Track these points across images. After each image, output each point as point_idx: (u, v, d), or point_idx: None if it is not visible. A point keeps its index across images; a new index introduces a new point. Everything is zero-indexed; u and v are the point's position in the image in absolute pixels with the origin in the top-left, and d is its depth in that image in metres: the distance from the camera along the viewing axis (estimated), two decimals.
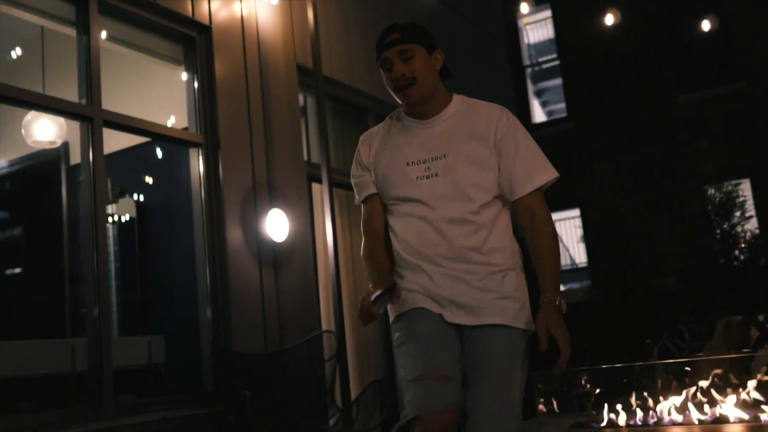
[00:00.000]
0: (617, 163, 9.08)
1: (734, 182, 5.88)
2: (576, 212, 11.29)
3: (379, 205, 2.38)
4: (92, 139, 3.93)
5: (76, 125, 4.05)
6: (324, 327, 5.18)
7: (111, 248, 5.78)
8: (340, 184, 5.66)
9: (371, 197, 2.38)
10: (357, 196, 2.45)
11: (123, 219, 5.41)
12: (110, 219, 5.61)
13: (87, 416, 3.57)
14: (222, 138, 4.51)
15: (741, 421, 3.07)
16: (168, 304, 5.04)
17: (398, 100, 2.34)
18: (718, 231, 5.74)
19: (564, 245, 11.98)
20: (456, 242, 2.21)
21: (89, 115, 3.93)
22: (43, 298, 5.04)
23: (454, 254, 2.21)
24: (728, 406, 3.12)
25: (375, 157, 2.37)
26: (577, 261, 12.45)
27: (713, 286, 5.39)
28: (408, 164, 2.28)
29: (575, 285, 11.54)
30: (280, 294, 4.64)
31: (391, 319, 2.31)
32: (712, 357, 3.62)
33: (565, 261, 12.01)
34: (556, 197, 11.51)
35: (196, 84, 4.59)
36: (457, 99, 2.35)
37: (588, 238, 6.88)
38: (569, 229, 12.08)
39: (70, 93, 4.04)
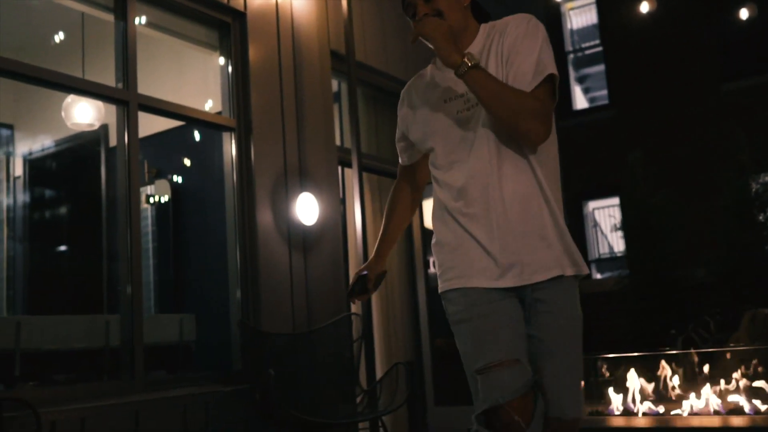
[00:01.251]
0: (656, 151, 8.98)
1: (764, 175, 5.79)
2: (616, 200, 11.19)
3: (412, 173, 2.41)
4: (128, 122, 4.05)
5: (114, 108, 4.18)
6: (353, 310, 5.28)
7: (149, 228, 5.96)
8: (371, 169, 5.73)
9: (405, 168, 2.42)
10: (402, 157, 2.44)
11: (160, 200, 5.56)
12: (150, 200, 5.77)
13: (119, 390, 3.72)
14: (254, 122, 4.60)
15: (757, 412, 3.07)
16: (200, 283, 5.18)
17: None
18: (753, 223, 5.68)
19: (603, 233, 11.90)
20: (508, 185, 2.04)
21: (125, 99, 4.06)
22: (83, 275, 5.23)
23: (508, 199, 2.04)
24: (745, 397, 3.12)
25: (410, 109, 2.28)
26: (615, 250, 12.34)
27: (745, 279, 5.35)
28: (445, 101, 2.16)
29: (611, 274, 11.44)
30: (309, 276, 4.73)
31: (442, 288, 2.16)
32: (733, 348, 3.61)
33: (603, 249, 11.94)
34: (596, 184, 11.40)
35: (230, 69, 4.68)
36: (484, 26, 2.20)
37: (625, 226, 6.84)
38: (607, 217, 11.98)
39: (108, 77, 4.17)
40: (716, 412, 3.13)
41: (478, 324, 2.02)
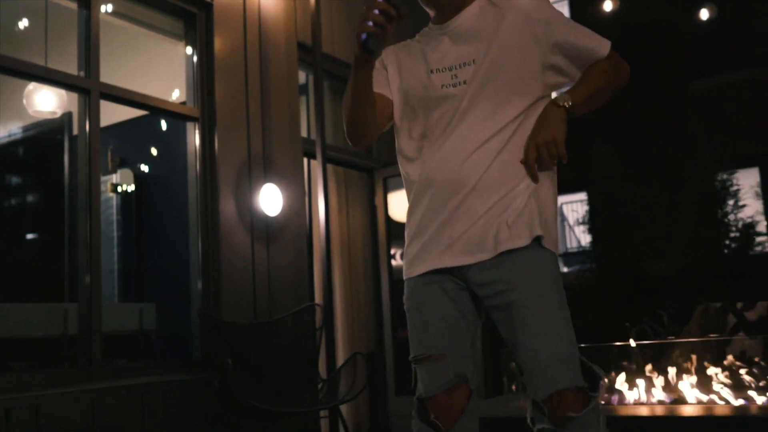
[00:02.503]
0: (624, 147, 9.10)
1: (730, 171, 5.90)
2: (584, 195, 11.32)
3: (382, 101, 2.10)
4: (89, 110, 4.04)
5: (77, 97, 4.17)
6: (318, 300, 5.32)
7: (114, 217, 5.94)
8: (336, 160, 5.77)
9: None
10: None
11: (124, 189, 5.55)
12: (117, 189, 5.76)
13: (77, 378, 3.73)
14: (219, 113, 4.61)
15: (699, 402, 3.16)
16: (162, 273, 5.19)
17: (426, 8, 2.12)
18: (714, 219, 5.79)
19: (570, 227, 12.04)
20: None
21: (87, 88, 4.05)
22: (44, 264, 5.22)
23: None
24: (689, 388, 3.21)
25: (397, 65, 2.12)
26: (583, 243, 12.50)
27: (703, 273, 5.45)
28: (432, 72, 2.03)
29: (577, 268, 11.58)
30: (272, 267, 4.76)
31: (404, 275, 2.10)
32: (677, 340, 3.70)
33: (570, 243, 12.09)
34: (564, 179, 11.57)
35: (195, 59, 4.69)
36: None
37: (591, 220, 6.94)
38: (573, 212, 12.13)
39: (72, 66, 4.16)
40: (660, 402, 3.22)
41: (413, 315, 2.03)
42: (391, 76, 2.11)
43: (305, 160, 5.44)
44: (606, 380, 1.86)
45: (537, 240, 1.89)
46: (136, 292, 5.33)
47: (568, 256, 12.00)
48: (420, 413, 1.99)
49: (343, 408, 5.42)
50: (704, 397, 3.19)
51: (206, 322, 4.23)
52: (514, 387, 4.04)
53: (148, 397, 3.86)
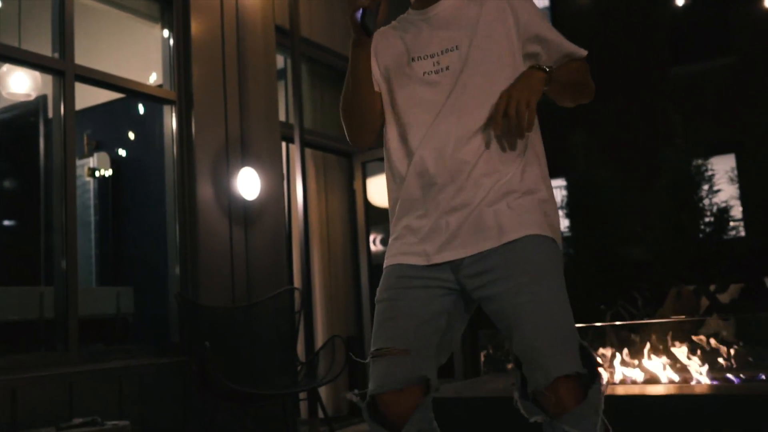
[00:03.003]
0: (602, 134, 9.16)
1: (706, 157, 5.97)
2: (562, 182, 11.40)
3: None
4: (64, 93, 4.01)
5: (51, 79, 4.13)
6: (297, 284, 5.33)
7: (92, 201, 5.90)
8: (314, 144, 5.76)
9: None
10: None
11: (101, 174, 5.51)
12: (94, 173, 5.71)
13: (53, 361, 3.71)
14: (196, 96, 4.59)
15: (671, 381, 3.21)
16: (140, 257, 5.16)
17: None
18: (687, 204, 5.86)
19: None
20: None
21: (61, 69, 4.01)
22: (19, 248, 5.18)
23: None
24: (660, 368, 3.26)
25: (374, 54, 2.05)
26: (562, 229, 12.59)
27: (678, 257, 5.53)
28: (413, 59, 1.98)
29: None
30: (250, 251, 4.76)
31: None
32: (649, 321, 3.75)
33: None
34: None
35: (171, 42, 4.65)
36: None
37: (569, 206, 7.00)
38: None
39: (46, 47, 4.12)
40: (633, 382, 3.27)
41: (383, 308, 1.94)
42: (379, 62, 2.05)
43: (283, 144, 5.43)
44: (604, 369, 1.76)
45: (537, 227, 1.86)
46: (113, 276, 5.31)
47: None
48: (371, 412, 1.91)
49: (323, 391, 5.44)
50: (676, 377, 3.25)
51: (184, 306, 4.22)
52: (508, 367, 4.06)
53: (126, 381, 3.86)
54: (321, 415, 4.73)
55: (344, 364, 4.12)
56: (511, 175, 1.89)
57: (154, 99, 4.66)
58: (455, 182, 1.89)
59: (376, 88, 2.05)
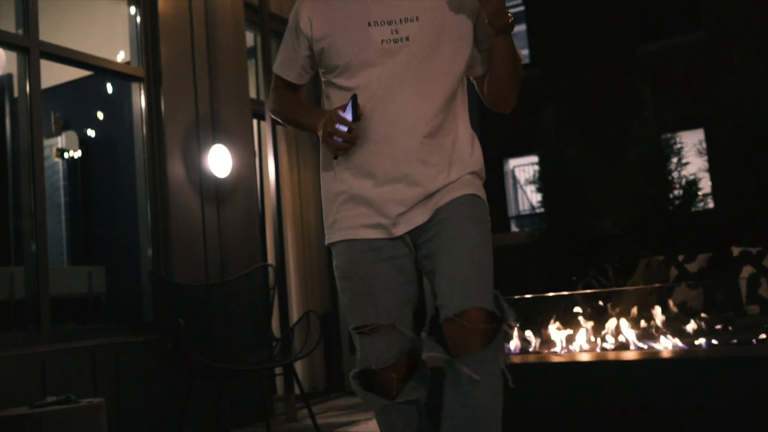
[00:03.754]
0: (574, 109, 9.22)
1: (674, 132, 6.02)
2: (536, 158, 11.46)
3: (301, 89, 2.13)
4: (29, 70, 3.95)
5: (16, 56, 4.06)
6: (270, 261, 5.32)
7: (61, 183, 5.84)
8: None
9: (290, 84, 2.10)
10: (277, 65, 2.11)
11: (70, 155, 5.44)
12: (63, 154, 5.65)
13: (25, 341, 3.68)
14: (164, 73, 4.54)
15: (639, 349, 3.27)
16: (111, 236, 5.13)
17: None
18: (656, 176, 5.92)
19: (523, 190, 12.19)
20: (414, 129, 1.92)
21: (26, 46, 3.95)
22: None
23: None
24: (631, 335, 3.32)
25: (318, 21, 1.96)
26: (535, 206, 12.68)
27: (647, 229, 5.60)
28: (369, 24, 1.91)
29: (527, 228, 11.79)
30: (222, 228, 4.75)
31: (327, 239, 2.06)
32: (619, 288, 3.81)
33: (524, 205, 12.26)
34: (517, 142, 11.58)
35: (138, 19, 4.60)
36: None
37: (542, 181, 7.04)
38: (527, 174, 12.27)
39: (9, 23, 4.04)
40: (603, 349, 3.32)
41: (357, 284, 1.97)
42: (318, 29, 1.96)
43: (254, 121, 5.40)
44: (513, 323, 1.83)
45: (475, 188, 1.99)
46: (84, 256, 5.27)
47: (520, 218, 12.16)
48: (364, 384, 2.00)
49: (299, 368, 5.47)
50: (644, 345, 3.31)
51: (157, 285, 4.20)
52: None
53: (100, 359, 3.84)
54: (297, 391, 4.75)
55: (319, 339, 4.13)
56: (459, 146, 1.98)
57: (121, 76, 4.61)
58: (408, 152, 1.91)
59: (307, 78, 2.10)
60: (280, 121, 2.19)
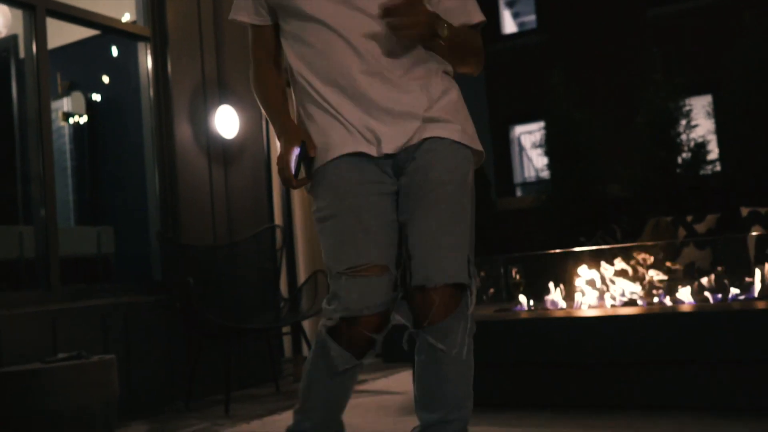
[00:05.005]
0: (582, 73, 9.14)
1: (683, 97, 5.99)
2: (543, 125, 11.38)
3: (270, 34, 1.98)
4: (36, 28, 3.92)
5: (21, 15, 4.03)
6: (277, 221, 5.33)
7: (67, 147, 5.83)
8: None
9: (258, 27, 1.99)
10: (236, 11, 2.00)
11: (75, 121, 5.42)
12: (68, 118, 5.63)
13: (36, 300, 3.70)
14: (171, 33, 4.51)
15: (650, 304, 3.27)
16: (119, 198, 5.13)
17: None
18: (665, 139, 5.90)
19: (529, 157, 12.15)
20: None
21: (32, 3, 3.91)
22: None
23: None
24: (639, 292, 3.33)
25: None
26: (541, 173, 12.63)
27: (655, 192, 5.59)
28: None
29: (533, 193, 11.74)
30: (230, 189, 4.74)
31: (310, 185, 1.92)
32: (627, 245, 3.81)
33: (529, 173, 12.22)
34: (524, 108, 11.52)
35: None
36: None
37: (548, 145, 7.02)
38: (533, 141, 12.22)
39: None
40: (613, 306, 3.33)
41: (346, 218, 1.81)
42: None
43: None
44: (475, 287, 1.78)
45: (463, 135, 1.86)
46: (92, 220, 5.28)
47: (526, 185, 12.12)
48: (335, 334, 1.80)
49: (307, 328, 5.49)
50: (655, 299, 3.31)
51: (166, 245, 4.21)
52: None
53: (110, 318, 3.87)
54: (305, 351, 4.77)
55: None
56: (443, 79, 1.89)
57: (128, 36, 4.57)
58: (392, 80, 1.82)
59: (265, 16, 1.96)
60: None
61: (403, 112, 1.82)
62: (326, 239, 1.84)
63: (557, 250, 3.77)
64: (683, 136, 5.81)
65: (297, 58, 1.90)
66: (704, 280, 3.27)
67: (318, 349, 1.85)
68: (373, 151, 1.83)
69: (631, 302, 3.27)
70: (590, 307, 3.32)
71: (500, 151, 11.40)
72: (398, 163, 1.85)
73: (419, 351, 1.78)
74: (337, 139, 1.84)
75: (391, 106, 1.82)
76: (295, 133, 1.88)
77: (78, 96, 5.33)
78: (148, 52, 4.51)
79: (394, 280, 1.80)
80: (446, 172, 1.79)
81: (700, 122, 6.08)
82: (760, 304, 2.91)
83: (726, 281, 3.20)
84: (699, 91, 8.59)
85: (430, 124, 1.83)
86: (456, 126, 1.86)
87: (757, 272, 3.22)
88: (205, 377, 4.21)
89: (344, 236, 1.80)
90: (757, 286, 3.20)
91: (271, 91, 2.01)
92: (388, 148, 1.82)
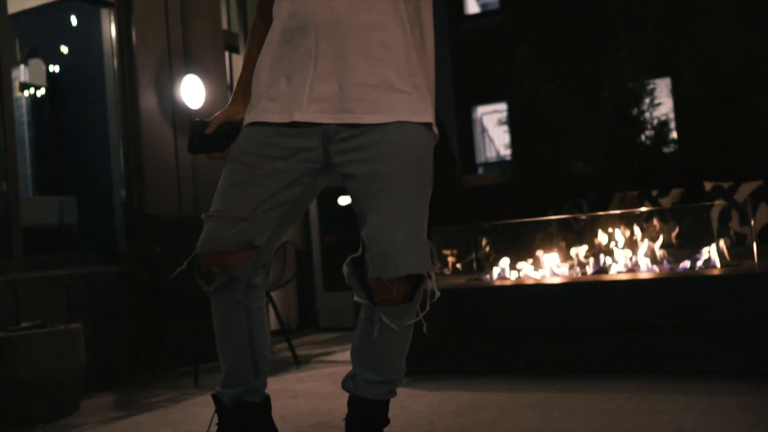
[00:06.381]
0: (544, 51, 9.19)
1: (646, 79, 6.04)
2: (505, 105, 11.42)
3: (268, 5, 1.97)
4: None
5: None
6: None
7: (24, 118, 5.67)
8: None
9: None
10: None
11: (32, 93, 5.28)
12: (25, 90, 5.48)
13: None
14: (135, 0, 4.41)
15: (619, 273, 3.32)
16: (81, 168, 5.02)
17: None
18: (629, 118, 5.96)
19: (490, 138, 12.21)
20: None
21: None
22: None
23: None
24: (610, 259, 3.38)
25: None
26: (502, 153, 12.71)
27: (620, 169, 5.65)
28: None
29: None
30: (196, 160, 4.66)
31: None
32: (594, 214, 3.86)
33: (491, 153, 12.28)
34: (486, 89, 11.56)
35: None
36: None
37: (511, 125, 7.04)
38: (495, 121, 12.28)
39: None
40: (583, 274, 3.37)
41: (239, 170, 1.86)
42: None
43: (226, 53, 5.29)
44: (435, 273, 1.82)
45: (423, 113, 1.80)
46: (54, 191, 5.15)
47: (488, 165, 12.19)
48: (196, 266, 1.98)
49: (274, 298, 5.45)
50: (623, 268, 3.36)
51: (131, 216, 4.14)
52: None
53: (74, 289, 3.79)
54: (275, 324, 4.75)
55: (296, 270, 4.12)
56: (400, 58, 1.79)
57: (90, 2, 4.46)
58: (335, 37, 1.76)
59: None
60: None
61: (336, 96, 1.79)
62: (222, 181, 1.92)
63: (528, 219, 3.80)
64: (647, 114, 5.87)
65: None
66: (670, 248, 3.34)
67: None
68: (286, 119, 1.81)
69: (605, 270, 3.32)
70: (558, 275, 3.35)
71: (463, 131, 11.44)
72: (331, 133, 1.82)
73: (369, 319, 1.84)
74: (273, 106, 1.84)
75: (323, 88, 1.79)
76: (226, 110, 2.02)
77: (38, 63, 5.19)
78: (112, 19, 4.41)
79: (254, 231, 1.85)
80: (395, 164, 1.76)
81: (664, 100, 6.16)
82: (715, 271, 3.00)
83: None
84: (658, 74, 8.71)
85: (382, 108, 1.79)
86: (407, 102, 1.81)
87: (713, 244, 3.31)
88: (171, 351, 4.16)
89: (227, 184, 1.88)
90: (714, 256, 3.28)
91: (250, 47, 2.02)
92: (317, 119, 1.79)
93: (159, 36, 4.54)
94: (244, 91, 2.00)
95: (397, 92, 1.77)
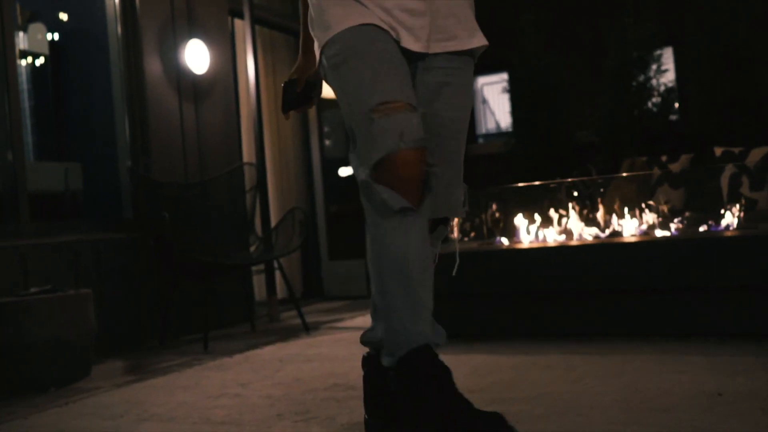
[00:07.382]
0: (548, 17, 9.09)
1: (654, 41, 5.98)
2: (505, 76, 11.31)
3: None
4: None
5: None
6: (246, 160, 5.23)
7: (25, 86, 5.59)
8: (263, 21, 5.55)
9: None
10: None
11: (34, 50, 5.20)
12: (25, 57, 5.39)
13: (4, 235, 3.57)
14: None
15: (632, 235, 3.30)
16: (86, 134, 4.95)
17: None
18: (635, 83, 5.91)
19: (491, 110, 12.13)
20: None
21: None
22: None
23: None
24: (618, 223, 3.36)
25: None
26: (503, 126, 12.63)
27: (625, 137, 5.61)
28: None
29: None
30: (201, 125, 4.62)
31: (323, 41, 1.73)
32: (606, 176, 3.82)
33: (491, 125, 12.20)
34: (488, 59, 11.59)
35: None
36: None
37: (512, 93, 6.98)
38: (496, 93, 12.20)
39: None
40: (596, 237, 3.35)
41: (377, 56, 1.65)
42: None
43: (229, 19, 5.21)
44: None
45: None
46: (59, 154, 5.09)
47: (488, 137, 12.12)
48: (381, 175, 1.60)
49: (277, 275, 5.44)
50: (634, 231, 3.34)
51: (137, 182, 4.10)
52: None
53: (82, 255, 3.76)
54: (280, 292, 4.74)
55: (304, 235, 4.09)
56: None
57: None
58: None
59: None
60: None
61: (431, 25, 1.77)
62: (350, 80, 1.67)
63: (538, 182, 3.77)
64: (653, 81, 5.82)
65: None
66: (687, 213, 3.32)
67: (369, 204, 1.65)
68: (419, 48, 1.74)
69: (617, 234, 3.29)
70: (573, 238, 3.33)
71: None
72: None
73: None
74: (396, 23, 1.72)
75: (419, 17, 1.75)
76: (301, 64, 2.00)
77: (38, 29, 5.09)
78: None
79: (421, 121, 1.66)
80: (461, 105, 1.84)
81: (671, 66, 6.10)
82: (729, 233, 2.98)
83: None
84: (662, 45, 8.64)
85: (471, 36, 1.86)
86: (478, 32, 1.89)
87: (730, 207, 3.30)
88: (178, 317, 4.14)
89: (378, 69, 1.64)
90: (731, 219, 3.26)
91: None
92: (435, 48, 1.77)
93: (162, 0, 4.46)
94: (308, 41, 1.96)
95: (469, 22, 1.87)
